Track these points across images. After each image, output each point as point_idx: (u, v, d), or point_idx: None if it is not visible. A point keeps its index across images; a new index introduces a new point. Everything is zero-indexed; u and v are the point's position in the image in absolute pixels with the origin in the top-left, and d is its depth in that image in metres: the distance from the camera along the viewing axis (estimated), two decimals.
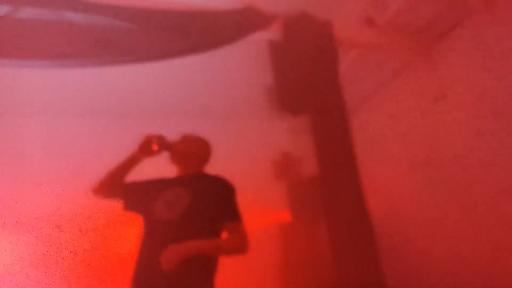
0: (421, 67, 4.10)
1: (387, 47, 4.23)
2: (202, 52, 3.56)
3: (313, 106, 3.85)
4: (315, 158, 3.66)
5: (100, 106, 3.79)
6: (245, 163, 3.45)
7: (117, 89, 3.70)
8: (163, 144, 1.88)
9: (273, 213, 3.46)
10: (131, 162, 1.90)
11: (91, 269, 3.44)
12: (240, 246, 1.77)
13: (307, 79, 3.90)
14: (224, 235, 1.82)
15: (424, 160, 3.94)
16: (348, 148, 3.84)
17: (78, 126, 3.81)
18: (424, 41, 4.09)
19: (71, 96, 3.71)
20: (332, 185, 3.63)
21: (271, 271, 3.28)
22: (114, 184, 1.89)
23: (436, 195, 3.77)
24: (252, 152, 3.74)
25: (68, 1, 3.10)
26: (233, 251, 1.78)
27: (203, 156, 2.04)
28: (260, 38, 3.98)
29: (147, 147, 1.84)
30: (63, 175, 3.55)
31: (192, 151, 1.98)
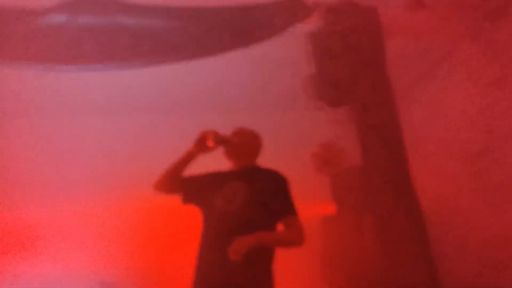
0: (474, 49, 3.88)
1: (436, 29, 4.04)
2: (246, 46, 3.64)
3: (357, 96, 3.81)
4: (359, 149, 3.64)
5: (149, 103, 4.00)
6: (287, 155, 3.49)
7: (164, 86, 3.87)
8: (219, 140, 1.94)
9: (316, 205, 3.49)
10: (187, 158, 1.99)
11: (153, 262, 3.68)
12: (298, 239, 1.88)
13: (351, 69, 3.85)
14: (280, 227, 1.89)
15: (478, 150, 3.73)
16: (395, 138, 3.77)
17: (129, 123, 4.04)
18: (478, 20, 3.85)
19: (123, 94, 3.94)
20: (378, 177, 3.52)
21: (314, 264, 3.33)
22: (172, 180, 2.01)
23: (493, 190, 3.54)
24: (294, 144, 3.76)
25: (121, 6, 3.29)
26: (292, 244, 1.88)
27: (256, 149, 2.11)
28: (301, 29, 3.97)
29: (203, 143, 1.89)
30: (120, 172, 3.81)
31: (246, 144, 2.06)
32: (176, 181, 2.02)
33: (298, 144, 3.76)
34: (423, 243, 3.40)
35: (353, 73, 3.83)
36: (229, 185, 1.91)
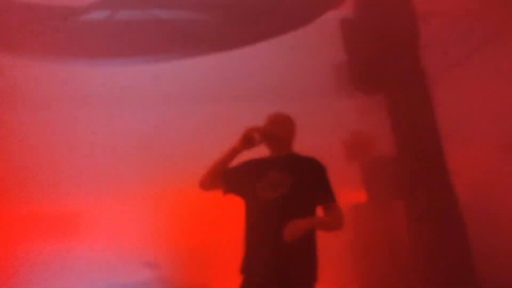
0: None
1: (478, 13, 3.89)
2: (279, 34, 3.66)
3: (390, 82, 3.75)
4: (392, 137, 3.61)
5: (181, 94, 4.12)
6: (318, 142, 3.50)
7: (197, 76, 3.97)
8: (263, 135, 1.96)
9: (345, 193, 3.49)
10: (231, 155, 2.01)
11: (195, 244, 3.85)
12: (340, 223, 1.96)
13: (384, 55, 3.78)
14: (319, 213, 1.97)
15: None
16: (430, 125, 3.69)
17: (165, 113, 4.19)
18: None
19: (157, 86, 4.07)
20: (411, 165, 3.51)
21: (344, 251, 3.35)
22: (217, 177, 2.04)
23: None
24: (324, 132, 3.75)
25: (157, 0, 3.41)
26: (334, 228, 1.96)
27: (293, 135, 2.12)
28: (334, 16, 3.93)
29: (248, 140, 1.93)
30: (161, 158, 3.98)
31: (285, 132, 2.08)
32: (219, 179, 2.04)
33: (328, 131, 3.75)
34: (459, 232, 3.35)
35: (386, 59, 3.77)
36: (271, 174, 1.94)
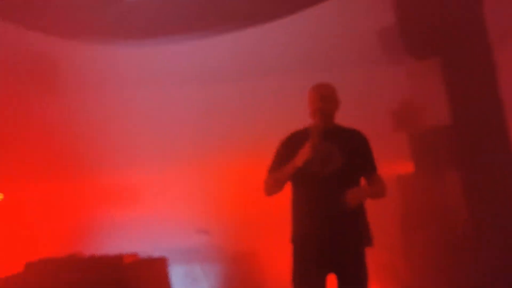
0: None
1: None
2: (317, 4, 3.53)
3: (446, 46, 3.47)
4: (446, 105, 3.37)
5: (227, 69, 4.18)
6: (366, 112, 3.37)
7: (239, 51, 3.99)
8: (321, 151, 1.95)
9: (392, 164, 3.36)
10: (292, 170, 2.01)
11: (243, 211, 4.02)
12: (384, 192, 2.06)
13: (440, 15, 3.49)
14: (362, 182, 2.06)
15: None
16: (491, 92, 3.40)
17: (213, 89, 4.30)
18: None
19: (206, 62, 4.17)
20: (469, 134, 3.31)
21: (389, 223, 3.28)
22: (277, 189, 2.09)
23: None
24: (373, 101, 3.60)
25: None
26: (380, 197, 2.05)
27: (337, 107, 2.10)
28: None
29: (306, 156, 1.92)
30: (213, 131, 4.15)
31: (333, 106, 2.07)
32: (280, 189, 2.08)
33: (374, 100, 3.59)
34: None
35: (442, 20, 3.49)
36: (322, 147, 1.94)
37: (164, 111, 4.26)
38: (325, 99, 2.05)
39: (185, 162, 4.16)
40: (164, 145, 4.23)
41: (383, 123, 3.47)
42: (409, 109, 3.50)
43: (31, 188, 4.02)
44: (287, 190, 2.09)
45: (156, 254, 3.22)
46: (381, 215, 3.16)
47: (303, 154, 1.92)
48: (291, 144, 2.08)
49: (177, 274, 3.29)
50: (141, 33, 3.33)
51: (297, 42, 3.84)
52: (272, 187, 2.11)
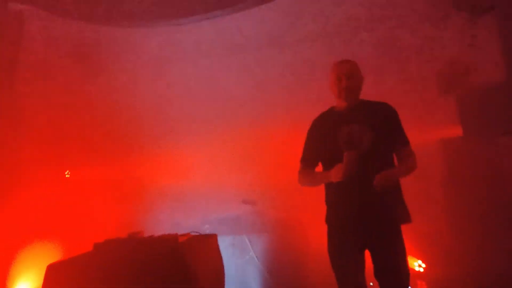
0: None
1: None
2: None
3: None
4: (501, 64, 3.08)
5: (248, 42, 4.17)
6: (410, 73, 3.17)
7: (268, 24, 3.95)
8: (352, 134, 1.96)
9: (438, 128, 3.17)
10: (324, 180, 2.07)
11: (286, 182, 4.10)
12: (414, 166, 2.02)
13: None
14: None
15: None
16: None
17: (250, 59, 4.33)
18: None
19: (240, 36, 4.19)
20: None
21: (431, 188, 3.14)
22: (310, 186, 2.19)
23: None
24: (417, 61, 3.36)
25: None
26: (411, 171, 2.02)
27: (362, 83, 2.09)
28: None
29: (339, 177, 1.95)
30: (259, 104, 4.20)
31: (359, 83, 2.06)
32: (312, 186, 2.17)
33: (423, 60, 3.36)
34: None
35: None
36: (350, 128, 1.96)
37: (207, 86, 4.38)
38: (348, 77, 2.01)
39: (230, 134, 4.27)
40: (209, 119, 4.37)
41: (430, 85, 3.26)
42: (457, 69, 3.26)
43: (95, 169, 4.29)
44: None
45: (204, 225, 3.38)
46: (427, 182, 3.07)
47: (338, 173, 1.92)
48: (319, 128, 2.10)
49: (224, 244, 3.48)
50: (180, 13, 3.43)
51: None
52: (305, 185, 2.17)
